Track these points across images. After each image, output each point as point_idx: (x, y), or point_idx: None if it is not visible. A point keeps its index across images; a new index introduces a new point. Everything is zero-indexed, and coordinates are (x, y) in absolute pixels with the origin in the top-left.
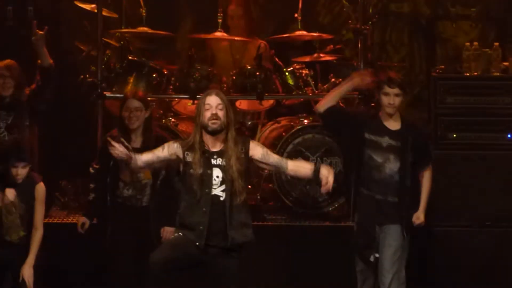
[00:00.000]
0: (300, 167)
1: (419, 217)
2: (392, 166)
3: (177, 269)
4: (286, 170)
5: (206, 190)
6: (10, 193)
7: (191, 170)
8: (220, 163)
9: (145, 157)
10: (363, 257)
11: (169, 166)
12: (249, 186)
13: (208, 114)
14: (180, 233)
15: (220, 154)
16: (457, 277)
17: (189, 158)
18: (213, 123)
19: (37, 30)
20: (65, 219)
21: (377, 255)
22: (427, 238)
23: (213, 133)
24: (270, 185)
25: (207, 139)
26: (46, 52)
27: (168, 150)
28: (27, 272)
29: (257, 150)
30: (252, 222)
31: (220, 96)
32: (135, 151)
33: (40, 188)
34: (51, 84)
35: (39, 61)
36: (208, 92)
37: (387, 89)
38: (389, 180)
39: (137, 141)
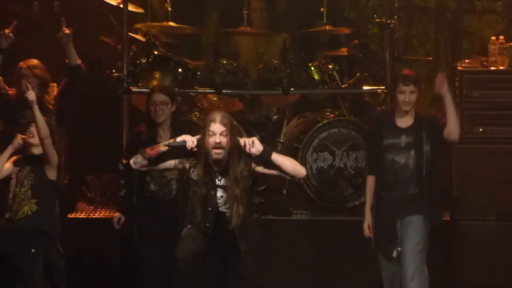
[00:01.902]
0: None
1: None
2: (414, 162)
3: (201, 260)
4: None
5: (209, 209)
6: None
7: (195, 188)
8: (223, 184)
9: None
10: (385, 253)
11: None
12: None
13: (211, 142)
14: (190, 226)
15: (223, 174)
16: (482, 271)
17: (194, 176)
18: (217, 154)
19: (64, 28)
20: (91, 214)
21: (399, 249)
22: (452, 232)
23: (216, 162)
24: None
25: (212, 160)
26: (73, 52)
27: (175, 160)
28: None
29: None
30: (278, 216)
31: (224, 122)
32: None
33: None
34: (80, 84)
35: (66, 61)
36: (212, 117)
37: (402, 87)
38: (414, 176)
39: (165, 136)
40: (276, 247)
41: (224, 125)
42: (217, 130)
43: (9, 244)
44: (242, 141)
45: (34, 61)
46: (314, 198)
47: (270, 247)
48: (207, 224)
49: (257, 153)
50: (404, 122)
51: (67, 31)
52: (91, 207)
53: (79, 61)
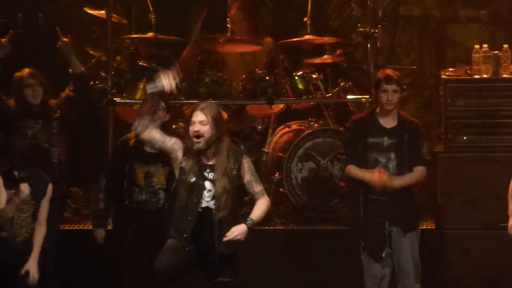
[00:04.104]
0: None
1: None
2: (394, 164)
3: (181, 273)
4: None
5: (195, 200)
6: (25, 187)
7: (183, 177)
8: (212, 178)
9: (154, 132)
10: (375, 254)
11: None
12: None
13: (191, 130)
14: (173, 237)
15: (212, 168)
16: (468, 280)
17: (184, 164)
18: (196, 142)
19: (62, 37)
20: (76, 226)
21: (389, 250)
22: (438, 241)
23: (198, 151)
24: (281, 189)
25: (194, 149)
26: (76, 60)
27: (174, 144)
28: (33, 268)
29: (246, 175)
30: (263, 226)
31: (206, 111)
32: (151, 156)
33: (51, 187)
34: (86, 92)
35: (70, 70)
36: (197, 105)
37: (385, 86)
38: None
39: None
40: (260, 256)
41: (205, 115)
42: (197, 119)
43: (6, 262)
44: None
45: (32, 70)
46: (299, 208)
47: (254, 257)
48: (189, 218)
49: (244, 236)
50: (387, 122)
51: (66, 39)
52: (76, 219)
53: (82, 68)
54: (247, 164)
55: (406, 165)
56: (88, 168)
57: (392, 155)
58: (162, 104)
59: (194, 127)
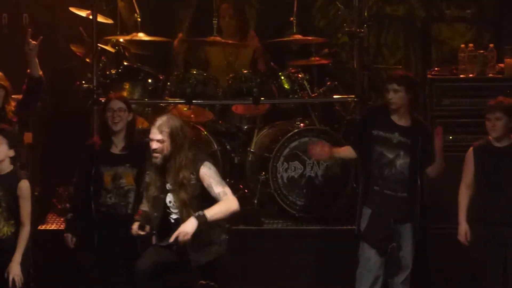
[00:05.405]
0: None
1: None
2: (402, 162)
3: (163, 274)
4: None
5: (155, 214)
6: None
7: (146, 192)
8: (172, 189)
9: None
10: (380, 248)
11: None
12: (246, 191)
13: (150, 146)
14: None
15: (171, 180)
16: (454, 279)
17: (147, 178)
18: (154, 157)
19: (31, 40)
20: (62, 226)
21: (394, 245)
22: (424, 240)
23: (157, 166)
24: (267, 189)
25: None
26: (37, 63)
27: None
28: (15, 270)
29: (205, 181)
30: (249, 226)
31: (162, 128)
32: (118, 157)
33: (24, 185)
34: (39, 95)
35: (28, 71)
36: (154, 121)
37: (387, 85)
38: (399, 176)
39: (119, 146)
40: (247, 256)
41: (161, 133)
42: (154, 137)
43: None
44: (172, 238)
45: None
46: (285, 208)
47: (241, 257)
48: (154, 231)
49: (193, 231)
50: (399, 119)
51: (34, 43)
52: (62, 219)
53: (40, 72)
54: (204, 169)
55: (419, 166)
56: (73, 168)
57: (402, 153)
58: (123, 105)
59: (152, 145)
